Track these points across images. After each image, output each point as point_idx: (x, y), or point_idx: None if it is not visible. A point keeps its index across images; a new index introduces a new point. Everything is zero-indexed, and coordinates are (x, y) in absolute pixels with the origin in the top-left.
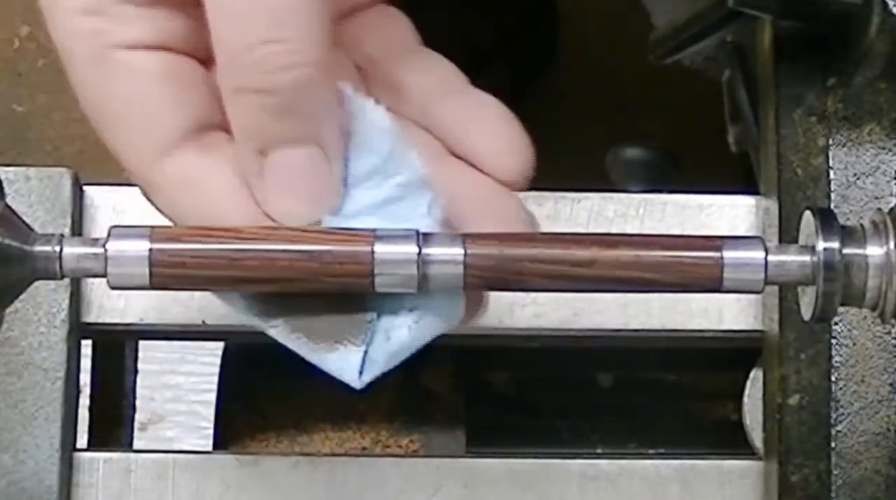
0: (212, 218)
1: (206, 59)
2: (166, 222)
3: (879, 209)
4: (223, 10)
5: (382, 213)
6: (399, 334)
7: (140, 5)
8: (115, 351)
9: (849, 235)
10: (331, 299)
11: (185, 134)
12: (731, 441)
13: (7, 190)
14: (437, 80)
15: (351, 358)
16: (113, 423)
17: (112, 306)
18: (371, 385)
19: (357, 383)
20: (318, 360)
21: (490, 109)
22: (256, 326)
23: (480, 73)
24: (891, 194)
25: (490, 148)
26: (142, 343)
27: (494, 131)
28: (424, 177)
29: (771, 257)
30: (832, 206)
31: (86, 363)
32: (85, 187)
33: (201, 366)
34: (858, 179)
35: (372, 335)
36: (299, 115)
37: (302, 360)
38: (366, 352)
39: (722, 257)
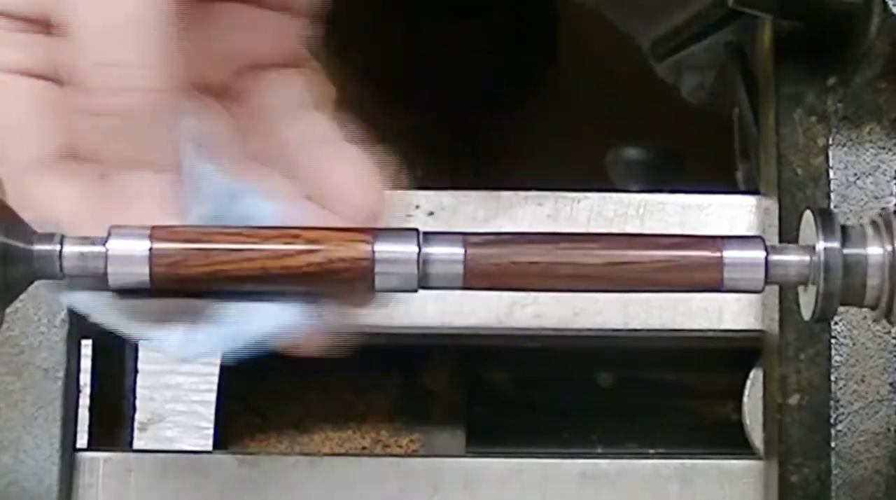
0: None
1: (69, 82)
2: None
3: (880, 209)
4: (71, 31)
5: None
6: (230, 322)
7: (14, 29)
8: (115, 351)
9: (849, 235)
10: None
11: (48, 157)
12: (731, 441)
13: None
14: (307, 134)
15: (172, 334)
16: (113, 423)
17: None
18: (371, 385)
19: (178, 354)
20: (142, 336)
21: (347, 159)
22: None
23: (481, 75)
24: (891, 194)
25: (341, 191)
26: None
27: (347, 176)
28: (267, 195)
29: (771, 257)
30: (832, 206)
31: (86, 363)
32: None
33: (201, 366)
34: (858, 179)
35: (199, 318)
36: (135, 139)
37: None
38: (189, 331)
39: (722, 257)
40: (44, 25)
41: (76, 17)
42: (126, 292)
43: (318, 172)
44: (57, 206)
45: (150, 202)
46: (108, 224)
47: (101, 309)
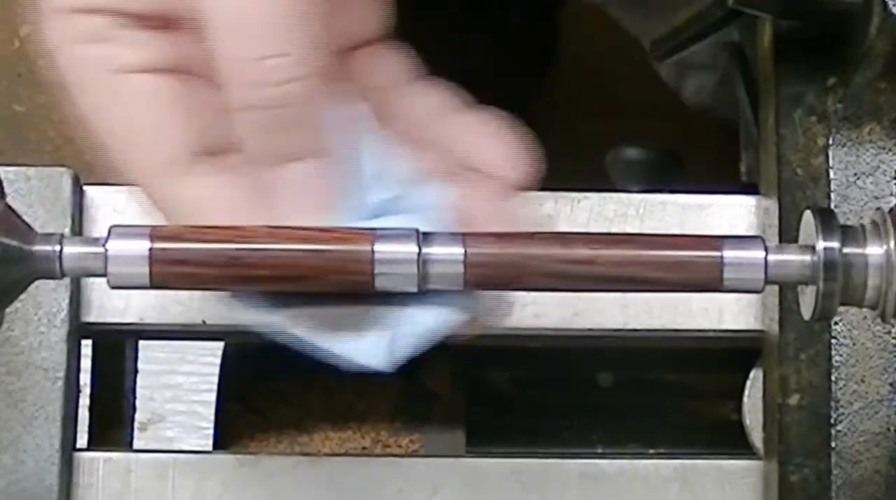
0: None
1: (206, 80)
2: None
3: (879, 209)
4: (219, 29)
5: (395, 209)
6: (425, 319)
7: (145, 29)
8: (115, 351)
9: (849, 234)
10: (350, 297)
11: (195, 154)
12: (731, 441)
13: (7, 190)
14: (437, 104)
15: (377, 343)
16: (113, 423)
17: (112, 306)
18: (371, 385)
19: (386, 366)
20: (344, 350)
21: (490, 125)
22: (276, 325)
23: (481, 76)
24: (891, 194)
25: (493, 159)
26: (142, 343)
27: (495, 144)
28: (425, 178)
29: (771, 257)
30: (832, 206)
31: (86, 363)
32: (85, 187)
33: (201, 366)
34: (858, 179)
35: (397, 322)
36: (301, 128)
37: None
38: (392, 336)
39: (722, 257)
40: (164, 22)
41: (215, 11)
42: (293, 299)
43: (457, 143)
44: (200, 203)
45: (312, 191)
46: (265, 218)
47: (268, 321)
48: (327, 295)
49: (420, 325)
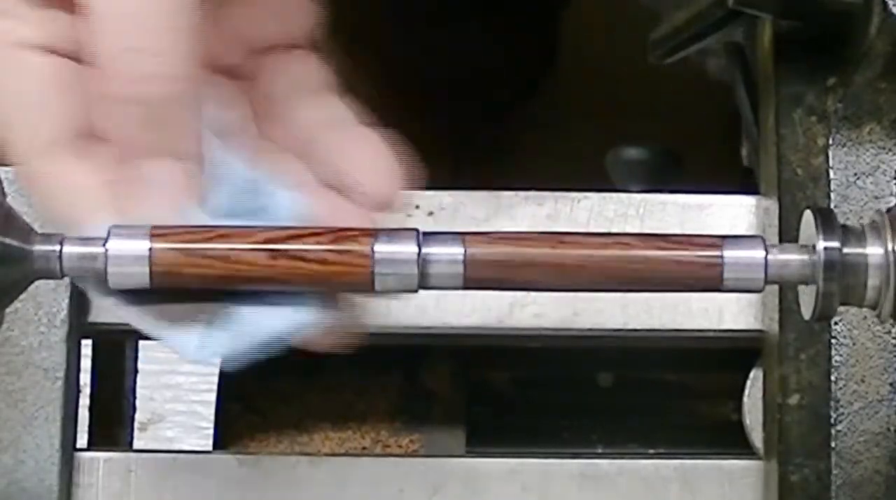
0: (72, 222)
1: (89, 61)
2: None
3: (879, 209)
4: (93, 14)
5: (250, 219)
6: (245, 322)
7: (45, 8)
8: (115, 351)
9: (849, 234)
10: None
11: (72, 138)
12: (731, 441)
13: (7, 190)
14: (326, 116)
15: (190, 335)
16: (113, 423)
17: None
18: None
19: (193, 356)
20: (161, 336)
21: (366, 143)
22: (113, 310)
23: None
24: (891, 194)
25: (364, 175)
26: (142, 343)
27: (366, 162)
28: (284, 185)
29: (771, 257)
30: (832, 206)
31: (86, 363)
32: None
33: (201, 366)
34: (858, 179)
35: (214, 319)
36: (159, 126)
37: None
38: (206, 331)
39: (722, 257)
40: (65, 4)
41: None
42: (135, 293)
43: (334, 156)
44: (70, 186)
45: (171, 190)
46: (124, 209)
47: (118, 307)
48: (180, 292)
49: (252, 325)
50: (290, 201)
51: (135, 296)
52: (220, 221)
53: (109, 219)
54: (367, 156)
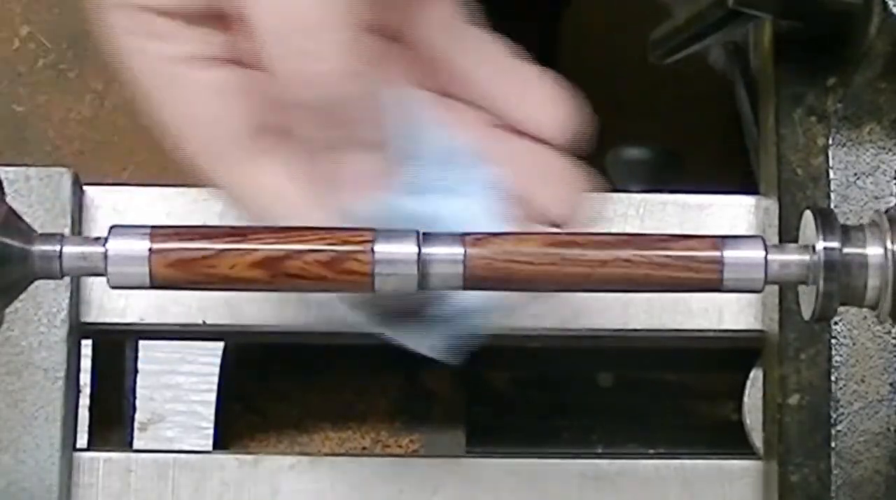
0: (281, 216)
1: (257, 67)
2: (165, 223)
3: (879, 209)
4: (264, 30)
5: (448, 195)
6: (472, 303)
7: (199, 26)
8: (115, 351)
9: (849, 235)
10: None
11: (254, 139)
12: (731, 441)
13: (7, 190)
14: (485, 58)
15: (425, 331)
16: (113, 423)
17: (112, 306)
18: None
19: (435, 353)
20: (406, 338)
21: (535, 80)
22: (341, 315)
23: None
24: (891, 194)
25: (537, 115)
26: (142, 343)
27: (539, 100)
28: (481, 158)
29: (771, 257)
30: (832, 206)
31: (86, 363)
32: (85, 187)
33: (201, 366)
34: (858, 179)
35: (455, 310)
36: (342, 124)
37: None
38: (452, 325)
39: (722, 257)
40: (217, 19)
41: (257, 10)
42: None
43: (507, 97)
44: (267, 185)
45: (365, 180)
46: (324, 201)
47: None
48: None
49: (468, 311)
50: (487, 172)
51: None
52: (420, 203)
53: (311, 213)
54: (536, 94)
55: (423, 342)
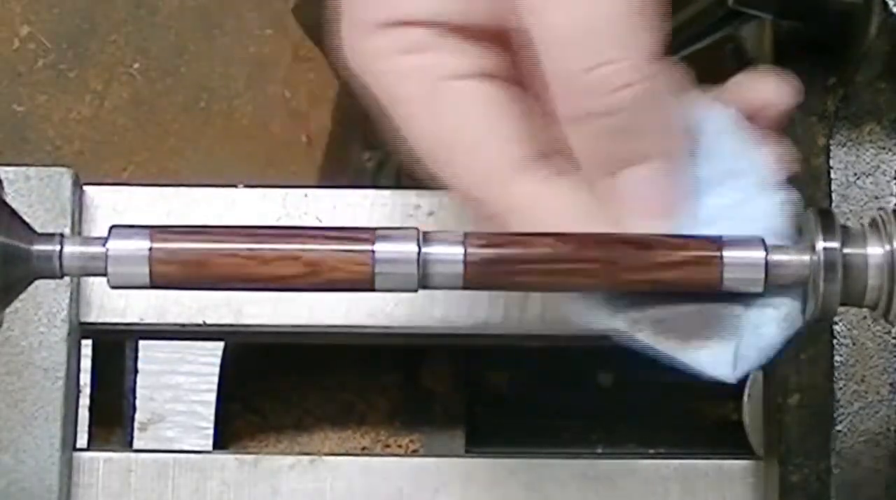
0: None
1: (525, 88)
2: (165, 223)
3: (879, 209)
4: (549, 40)
5: (735, 215)
6: (768, 330)
7: (462, 38)
8: (115, 351)
9: (849, 235)
10: (692, 297)
11: (526, 159)
12: (731, 441)
13: (7, 190)
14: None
15: (722, 353)
16: (113, 423)
17: (112, 306)
18: (371, 385)
19: (731, 377)
20: (689, 358)
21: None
22: (618, 329)
23: None
24: (891, 194)
25: (766, 92)
26: (142, 343)
27: (761, 82)
28: (772, 175)
29: (771, 257)
30: (832, 206)
31: (86, 363)
32: (85, 187)
33: (201, 366)
34: (858, 179)
35: (740, 330)
36: (640, 132)
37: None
38: (737, 346)
39: (722, 257)
40: (481, 32)
41: (546, 22)
42: (634, 301)
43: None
44: (538, 209)
45: (655, 197)
46: (616, 221)
47: (645, 338)
48: (668, 295)
49: (762, 337)
50: (772, 200)
51: (638, 308)
52: (703, 226)
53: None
54: (755, 81)
55: (699, 364)
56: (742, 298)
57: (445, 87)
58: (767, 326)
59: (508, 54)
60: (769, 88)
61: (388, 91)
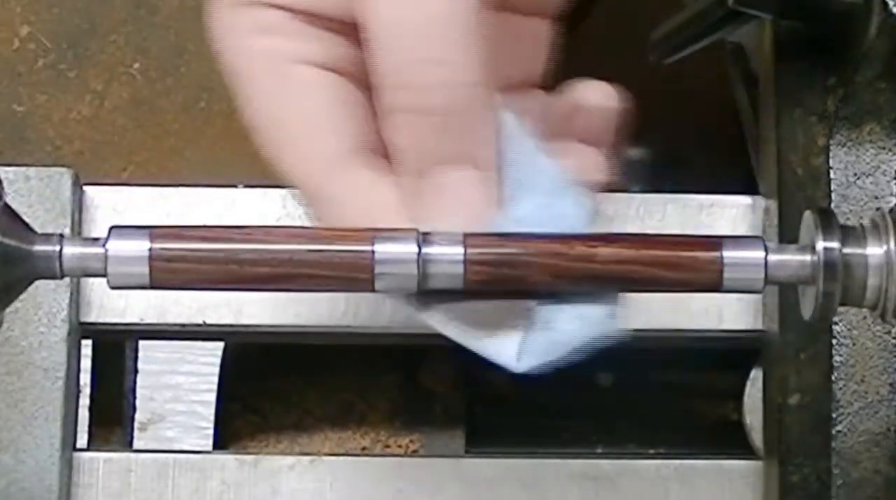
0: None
1: (366, 85)
2: (165, 223)
3: (879, 209)
4: (377, 29)
5: (537, 220)
6: (561, 326)
7: (313, 25)
8: (115, 351)
9: (849, 234)
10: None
11: (353, 150)
12: (731, 441)
13: (7, 190)
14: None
15: (508, 343)
16: (113, 423)
17: (112, 306)
18: (371, 385)
19: (514, 365)
20: (476, 346)
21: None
22: (413, 316)
23: None
24: (891, 194)
25: (592, 94)
26: (142, 343)
27: (593, 87)
28: (568, 182)
29: (771, 257)
30: (832, 206)
31: (86, 363)
32: (85, 187)
33: (201, 366)
34: (858, 178)
35: (531, 323)
36: (454, 135)
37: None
38: (524, 338)
39: (722, 257)
40: (330, 22)
41: (382, 15)
42: (442, 299)
43: (562, 101)
44: (370, 199)
45: (471, 198)
46: (424, 219)
47: (436, 324)
48: (476, 292)
49: (554, 331)
50: (574, 201)
51: (441, 302)
52: (522, 228)
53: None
54: (587, 87)
55: (506, 354)
56: (539, 295)
57: (290, 70)
58: (561, 322)
59: (356, 48)
60: (597, 92)
61: (237, 67)
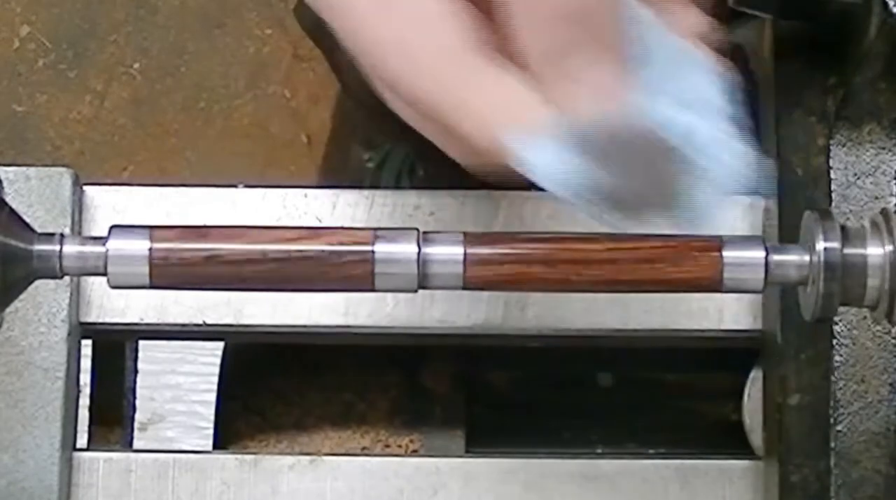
0: (500, 127)
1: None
2: (165, 223)
3: (880, 209)
4: None
5: (675, 99)
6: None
7: None
8: (115, 351)
9: (849, 235)
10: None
11: (475, 47)
12: (731, 441)
13: (7, 190)
14: None
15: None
16: (113, 423)
17: (112, 305)
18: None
19: (714, 220)
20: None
21: None
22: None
23: None
24: (891, 194)
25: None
26: (142, 343)
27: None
28: (696, 54)
29: (771, 257)
30: (832, 206)
31: (86, 363)
32: (85, 187)
33: (201, 366)
34: (858, 179)
35: (694, 180)
36: (586, 23)
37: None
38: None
39: (722, 257)
40: None
41: None
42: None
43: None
44: (499, 91)
45: (603, 83)
46: (557, 108)
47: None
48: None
49: (723, 169)
50: (707, 86)
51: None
52: (658, 105)
53: (543, 119)
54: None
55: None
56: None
57: None
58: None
59: None
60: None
61: (340, 4)
